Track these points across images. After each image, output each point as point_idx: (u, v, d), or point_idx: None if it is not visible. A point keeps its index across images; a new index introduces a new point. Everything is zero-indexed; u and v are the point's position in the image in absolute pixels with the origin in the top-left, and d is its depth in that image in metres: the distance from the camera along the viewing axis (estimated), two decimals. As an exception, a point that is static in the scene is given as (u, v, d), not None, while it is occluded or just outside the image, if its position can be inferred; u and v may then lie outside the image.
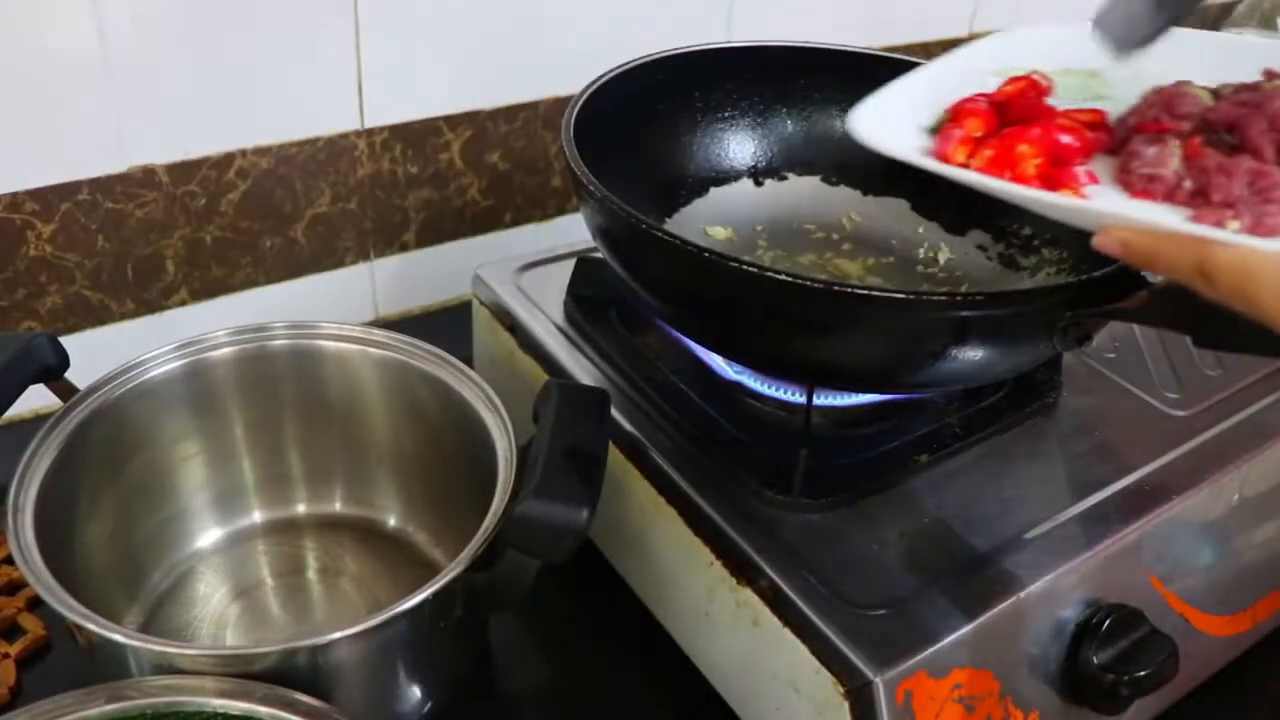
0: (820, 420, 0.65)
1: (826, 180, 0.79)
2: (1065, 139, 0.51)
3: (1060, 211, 0.50)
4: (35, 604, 0.65)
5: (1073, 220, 0.50)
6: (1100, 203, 0.49)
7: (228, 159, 0.78)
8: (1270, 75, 0.52)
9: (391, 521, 0.71)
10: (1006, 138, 0.52)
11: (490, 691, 0.64)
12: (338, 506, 0.72)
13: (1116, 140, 0.52)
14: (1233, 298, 0.41)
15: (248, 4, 0.74)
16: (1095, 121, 0.54)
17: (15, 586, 0.66)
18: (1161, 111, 0.51)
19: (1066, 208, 0.49)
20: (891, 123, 0.54)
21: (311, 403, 0.69)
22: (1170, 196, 0.48)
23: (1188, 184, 0.48)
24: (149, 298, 0.80)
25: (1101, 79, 0.57)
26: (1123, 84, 0.56)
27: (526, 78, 0.89)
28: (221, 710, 0.48)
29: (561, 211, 0.98)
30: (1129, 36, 0.52)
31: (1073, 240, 0.69)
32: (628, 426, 0.65)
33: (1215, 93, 0.51)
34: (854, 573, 0.56)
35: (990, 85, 0.56)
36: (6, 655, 0.62)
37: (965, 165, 0.51)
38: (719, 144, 0.78)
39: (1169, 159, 0.49)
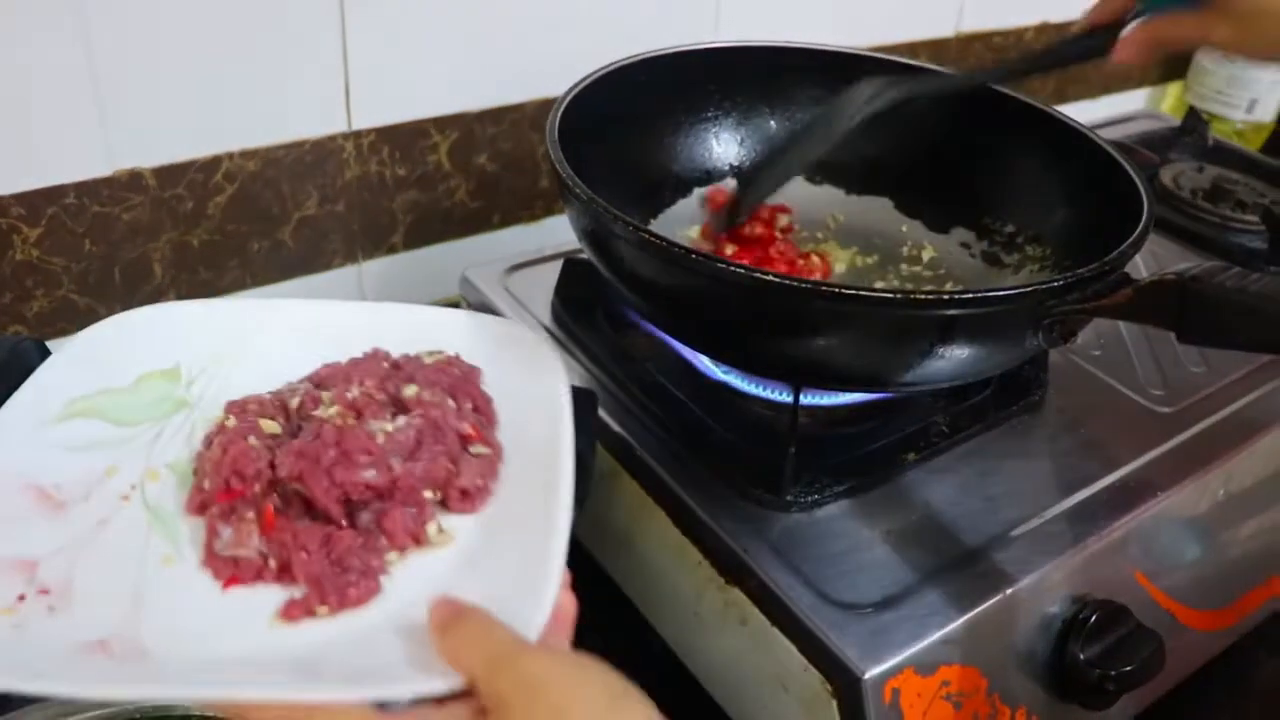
0: (807, 419, 0.66)
1: (810, 179, 0.79)
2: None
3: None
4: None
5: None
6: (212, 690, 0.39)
7: (215, 162, 0.78)
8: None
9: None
10: None
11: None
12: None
13: (197, 501, 0.48)
14: None
15: (234, 6, 0.74)
16: None
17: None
18: (231, 474, 0.47)
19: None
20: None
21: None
22: (260, 576, 0.45)
23: (273, 562, 0.45)
24: (137, 301, 0.80)
25: (180, 378, 0.54)
26: (205, 389, 0.54)
27: (514, 79, 0.89)
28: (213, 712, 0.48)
29: (549, 213, 0.98)
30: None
31: (1056, 238, 0.70)
32: (615, 427, 0.65)
33: (277, 430, 0.49)
34: (841, 571, 0.56)
35: None
36: None
37: None
38: (703, 144, 0.78)
39: (249, 537, 0.45)
